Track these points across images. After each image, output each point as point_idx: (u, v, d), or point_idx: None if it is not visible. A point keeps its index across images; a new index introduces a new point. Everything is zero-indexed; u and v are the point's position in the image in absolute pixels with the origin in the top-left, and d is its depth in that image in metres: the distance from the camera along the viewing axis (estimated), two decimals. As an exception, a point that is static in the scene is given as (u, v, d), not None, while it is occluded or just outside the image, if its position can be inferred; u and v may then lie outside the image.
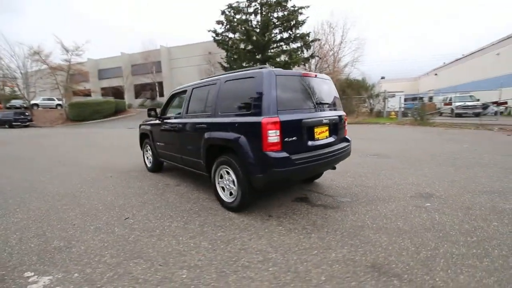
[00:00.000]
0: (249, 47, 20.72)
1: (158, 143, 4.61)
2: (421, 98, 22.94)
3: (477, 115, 17.03)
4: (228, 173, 3.08)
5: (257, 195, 3.20)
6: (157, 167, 5.05)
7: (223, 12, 20.93)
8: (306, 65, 22.37)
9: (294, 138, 2.71)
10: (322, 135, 3.05)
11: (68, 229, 2.80)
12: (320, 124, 2.99)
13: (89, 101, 23.98)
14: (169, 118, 4.45)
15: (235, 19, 20.77)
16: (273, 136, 2.57)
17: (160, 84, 36.75)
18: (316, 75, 3.20)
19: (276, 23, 20.56)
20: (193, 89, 3.79)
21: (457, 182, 4.00)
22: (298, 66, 20.24)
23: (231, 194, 3.10)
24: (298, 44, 20.62)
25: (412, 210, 3.03)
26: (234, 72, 3.20)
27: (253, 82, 2.78)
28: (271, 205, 3.28)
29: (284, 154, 2.60)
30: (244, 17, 21.58)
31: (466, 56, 26.17)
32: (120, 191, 4.01)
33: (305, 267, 2.02)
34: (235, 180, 2.97)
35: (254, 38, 19.39)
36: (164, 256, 2.23)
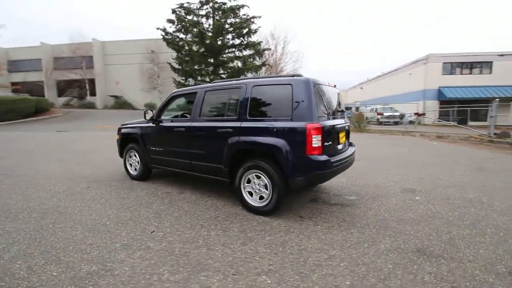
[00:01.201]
0: (202, 49, 20.36)
1: (153, 148, 4.21)
2: (351, 108, 26.27)
3: (396, 123, 20.59)
4: (258, 177, 3.10)
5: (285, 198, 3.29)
6: (145, 175, 4.59)
7: (174, 11, 20.09)
8: (258, 72, 23.17)
9: (330, 143, 2.94)
10: (342, 140, 3.37)
11: (87, 250, 2.37)
12: (343, 129, 3.31)
13: (2, 98, 19.49)
14: (168, 120, 4.15)
15: (186, 20, 20.15)
16: (316, 140, 2.74)
17: (92, 81, 32.57)
18: (335, 85, 3.52)
19: (229, 29, 20.77)
20: (205, 91, 3.65)
21: (424, 179, 4.87)
22: (251, 73, 20.79)
23: (261, 198, 3.12)
24: (250, 52, 21.26)
25: (411, 203, 3.59)
26: (261, 78, 3.27)
27: (291, 89, 2.90)
28: (293, 206, 3.41)
29: (326, 157, 2.80)
30: (195, 18, 21.15)
31: (385, 74, 31.26)
32: (118, 203, 3.54)
33: (369, 259, 2.24)
34: (268, 184, 3.01)
35: (208, 41, 19.16)
36: (230, 265, 2.15)
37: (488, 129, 11.57)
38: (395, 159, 6.80)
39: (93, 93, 32.93)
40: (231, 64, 20.90)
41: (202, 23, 21.18)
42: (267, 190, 3.05)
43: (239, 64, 21.12)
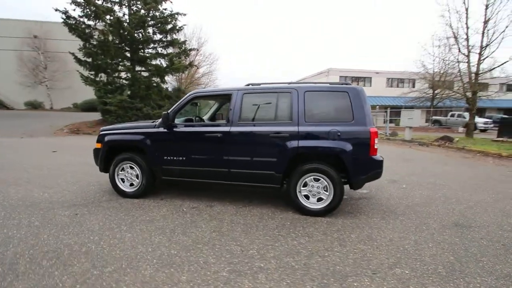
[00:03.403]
0: (117, 41, 17.66)
1: (169, 158, 3.56)
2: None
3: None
4: (316, 180, 3.20)
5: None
6: (147, 190, 3.80)
7: (78, -8, 16.57)
8: (184, 72, 21.90)
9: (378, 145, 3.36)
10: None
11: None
12: (372, 133, 3.80)
13: None
14: (181, 125, 3.64)
15: (97, 4, 17.03)
16: (376, 142, 3.10)
17: None
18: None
19: (150, 22, 18.87)
20: (243, 94, 3.42)
21: (395, 170, 6.04)
22: (179, 73, 19.49)
23: (319, 200, 3.23)
24: (176, 50, 19.89)
25: (406, 190, 4.47)
26: (311, 84, 3.38)
27: (348, 96, 3.15)
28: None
29: (382, 157, 3.19)
30: (106, 4, 18.18)
31: (295, 82, 35.45)
32: (151, 228, 2.86)
33: (439, 237, 2.76)
34: (328, 185, 3.16)
35: (127, 33, 16.83)
36: (359, 266, 2.21)
37: (384, 129, 15.05)
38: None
39: None
40: (154, 62, 18.99)
41: (115, 11, 18.37)
42: (326, 191, 3.19)
43: (163, 62, 19.43)
